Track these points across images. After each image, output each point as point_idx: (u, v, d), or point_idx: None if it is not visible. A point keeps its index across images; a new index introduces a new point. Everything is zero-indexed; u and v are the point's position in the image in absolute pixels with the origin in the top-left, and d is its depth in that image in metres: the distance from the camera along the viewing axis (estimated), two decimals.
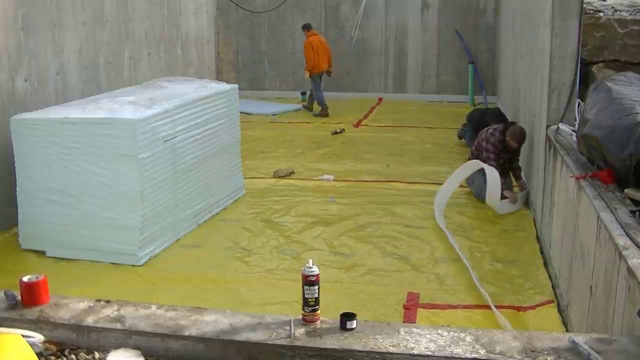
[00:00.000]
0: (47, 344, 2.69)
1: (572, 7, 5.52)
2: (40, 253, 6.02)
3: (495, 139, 7.16)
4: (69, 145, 5.81)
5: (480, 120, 9.28)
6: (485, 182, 7.10)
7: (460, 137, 10.01)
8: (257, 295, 5.26)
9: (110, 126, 5.76)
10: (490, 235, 6.40)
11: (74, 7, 7.97)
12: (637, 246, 3.14)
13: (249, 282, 5.53)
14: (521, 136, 7.05)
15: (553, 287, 5.16)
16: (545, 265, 5.60)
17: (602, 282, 3.52)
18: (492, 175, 6.87)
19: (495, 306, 4.97)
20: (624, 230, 3.32)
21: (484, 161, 7.19)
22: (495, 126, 7.49)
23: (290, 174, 8.53)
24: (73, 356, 2.65)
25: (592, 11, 6.83)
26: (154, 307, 2.88)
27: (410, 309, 5.01)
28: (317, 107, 12.58)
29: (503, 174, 7.19)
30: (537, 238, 6.19)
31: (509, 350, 2.46)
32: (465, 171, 7.29)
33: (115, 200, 5.81)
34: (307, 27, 12.64)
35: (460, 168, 7.33)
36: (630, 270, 2.97)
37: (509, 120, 9.07)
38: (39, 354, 2.60)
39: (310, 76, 12.43)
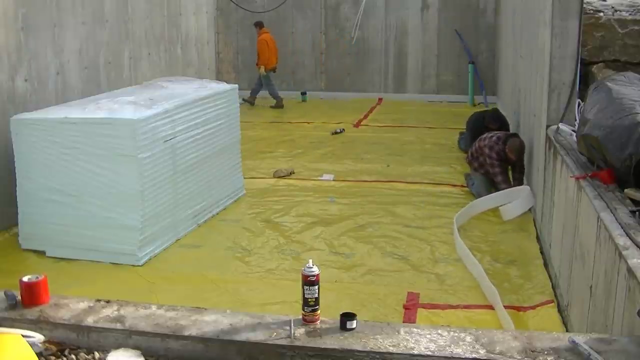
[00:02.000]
0: (47, 344, 2.69)
1: (572, 7, 5.52)
2: (40, 253, 6.02)
3: (498, 148, 7.24)
4: (69, 145, 5.81)
5: (477, 124, 9.18)
6: (483, 182, 7.39)
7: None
8: (257, 295, 5.26)
9: (110, 126, 5.76)
10: (490, 235, 6.40)
11: (74, 7, 7.97)
12: (637, 246, 3.14)
13: (249, 282, 5.53)
14: (520, 150, 7.16)
15: (553, 287, 5.16)
16: (545, 265, 5.60)
17: (602, 282, 3.52)
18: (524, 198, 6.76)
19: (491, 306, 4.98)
20: (624, 230, 3.32)
21: (485, 165, 7.36)
22: (498, 134, 7.53)
23: (290, 174, 8.53)
24: (73, 356, 2.65)
25: (592, 11, 6.82)
26: (154, 307, 2.88)
27: (410, 309, 5.01)
28: (271, 101, 13.24)
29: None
30: (537, 238, 6.19)
31: (509, 350, 2.46)
32: (500, 199, 6.97)
33: (115, 200, 5.81)
34: (259, 25, 13.22)
35: (496, 195, 7.07)
36: (630, 270, 2.97)
37: (507, 122, 9.05)
38: (39, 354, 2.60)
39: (265, 71, 13.05)
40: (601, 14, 6.81)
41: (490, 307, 4.99)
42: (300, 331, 2.63)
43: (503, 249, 6.04)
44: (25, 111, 6.40)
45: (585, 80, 6.21)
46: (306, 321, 2.69)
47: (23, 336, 2.59)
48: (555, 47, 5.61)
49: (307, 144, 10.21)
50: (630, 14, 6.85)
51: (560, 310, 4.80)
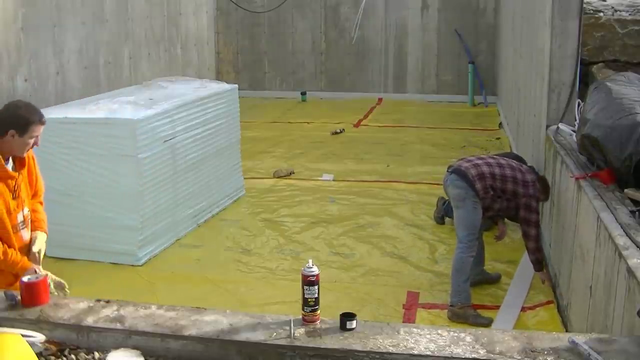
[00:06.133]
0: (47, 344, 2.69)
1: (572, 7, 5.52)
2: None
3: (536, 190, 5.01)
4: (69, 145, 5.81)
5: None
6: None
7: (442, 217, 6.78)
8: (256, 295, 5.26)
9: (110, 126, 5.76)
10: (490, 235, 6.40)
11: (74, 7, 7.98)
12: (637, 246, 3.14)
13: (248, 282, 5.53)
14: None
15: (553, 287, 5.16)
16: (545, 265, 5.59)
17: (602, 282, 3.52)
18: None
19: (495, 306, 4.99)
20: (624, 230, 3.32)
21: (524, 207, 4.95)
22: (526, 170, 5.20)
23: (290, 174, 8.53)
24: (73, 356, 2.65)
25: (592, 11, 6.81)
26: (153, 307, 2.88)
27: (410, 309, 5.01)
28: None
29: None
30: None
31: (509, 350, 2.46)
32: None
33: (115, 200, 5.81)
34: None
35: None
36: (630, 270, 2.97)
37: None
38: (39, 354, 2.60)
39: None
40: (601, 14, 6.81)
41: (490, 307, 5.00)
42: (300, 331, 2.63)
43: (503, 249, 6.04)
44: None
45: (585, 80, 6.20)
46: (306, 321, 2.69)
47: (23, 336, 2.59)
48: (555, 47, 5.61)
49: (307, 144, 10.20)
50: (630, 14, 6.84)
51: (560, 310, 4.80)
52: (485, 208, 4.94)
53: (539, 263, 5.02)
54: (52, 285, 3.28)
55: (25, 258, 3.45)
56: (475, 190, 4.85)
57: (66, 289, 3.42)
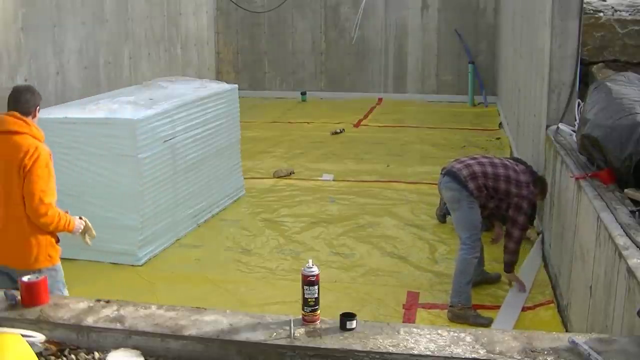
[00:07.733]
0: (47, 344, 2.69)
1: (572, 7, 5.53)
2: None
3: (530, 192, 4.97)
4: (69, 145, 5.81)
5: None
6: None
7: (444, 215, 6.72)
8: (256, 295, 5.27)
9: (110, 126, 5.76)
10: (489, 236, 6.39)
11: (74, 7, 7.98)
12: (637, 246, 3.14)
13: (248, 282, 5.53)
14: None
15: (553, 287, 5.16)
16: (545, 265, 5.60)
17: (602, 282, 3.52)
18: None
19: (495, 306, 4.99)
20: (624, 230, 3.33)
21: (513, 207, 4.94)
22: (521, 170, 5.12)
23: (290, 174, 8.53)
24: (73, 356, 2.65)
25: (592, 11, 6.81)
26: (153, 307, 2.88)
27: (410, 309, 5.01)
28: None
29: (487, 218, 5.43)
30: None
31: (508, 350, 2.46)
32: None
33: (115, 200, 5.81)
34: None
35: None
36: (630, 270, 2.97)
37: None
38: (39, 354, 2.60)
39: None
40: (601, 14, 6.81)
41: (490, 307, 5.00)
42: (300, 331, 2.63)
43: (502, 249, 6.03)
44: None
45: (585, 80, 6.20)
46: (306, 321, 2.69)
47: (23, 336, 2.59)
48: (555, 47, 5.61)
49: (307, 144, 10.20)
50: (630, 14, 6.84)
51: (560, 310, 4.80)
52: (481, 206, 4.95)
53: (511, 265, 5.06)
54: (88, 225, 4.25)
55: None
56: (469, 190, 4.85)
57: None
